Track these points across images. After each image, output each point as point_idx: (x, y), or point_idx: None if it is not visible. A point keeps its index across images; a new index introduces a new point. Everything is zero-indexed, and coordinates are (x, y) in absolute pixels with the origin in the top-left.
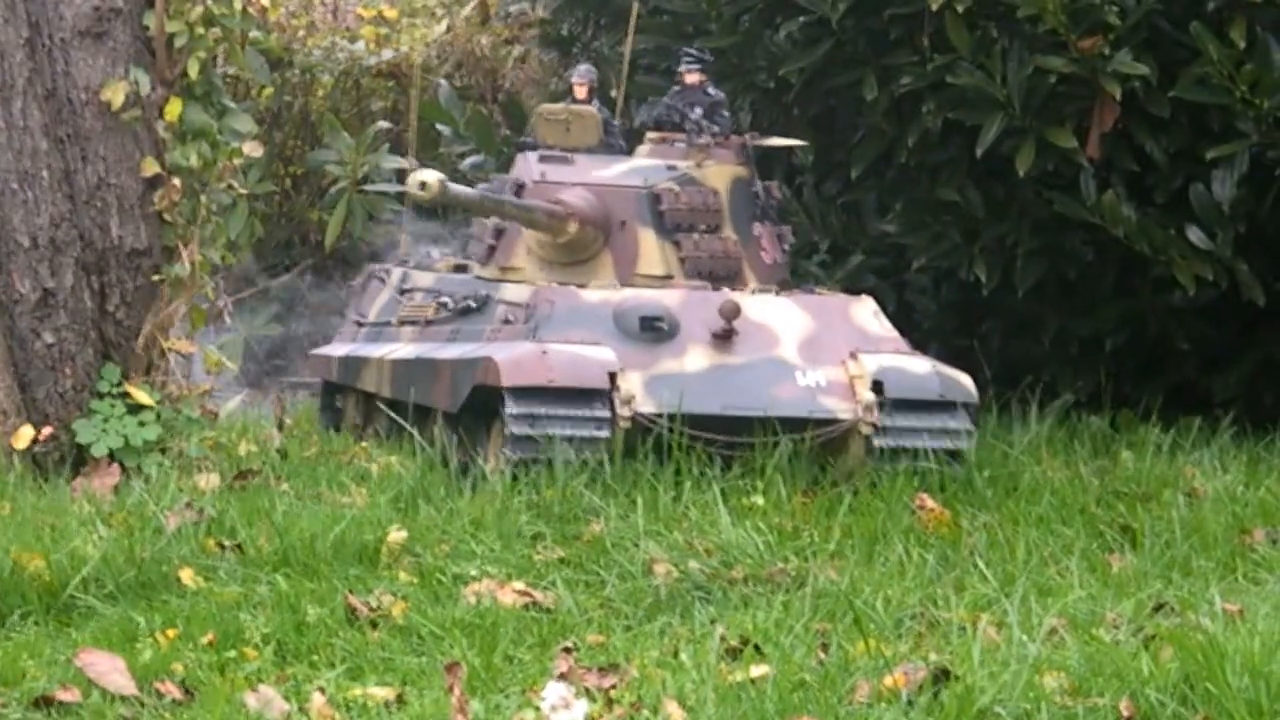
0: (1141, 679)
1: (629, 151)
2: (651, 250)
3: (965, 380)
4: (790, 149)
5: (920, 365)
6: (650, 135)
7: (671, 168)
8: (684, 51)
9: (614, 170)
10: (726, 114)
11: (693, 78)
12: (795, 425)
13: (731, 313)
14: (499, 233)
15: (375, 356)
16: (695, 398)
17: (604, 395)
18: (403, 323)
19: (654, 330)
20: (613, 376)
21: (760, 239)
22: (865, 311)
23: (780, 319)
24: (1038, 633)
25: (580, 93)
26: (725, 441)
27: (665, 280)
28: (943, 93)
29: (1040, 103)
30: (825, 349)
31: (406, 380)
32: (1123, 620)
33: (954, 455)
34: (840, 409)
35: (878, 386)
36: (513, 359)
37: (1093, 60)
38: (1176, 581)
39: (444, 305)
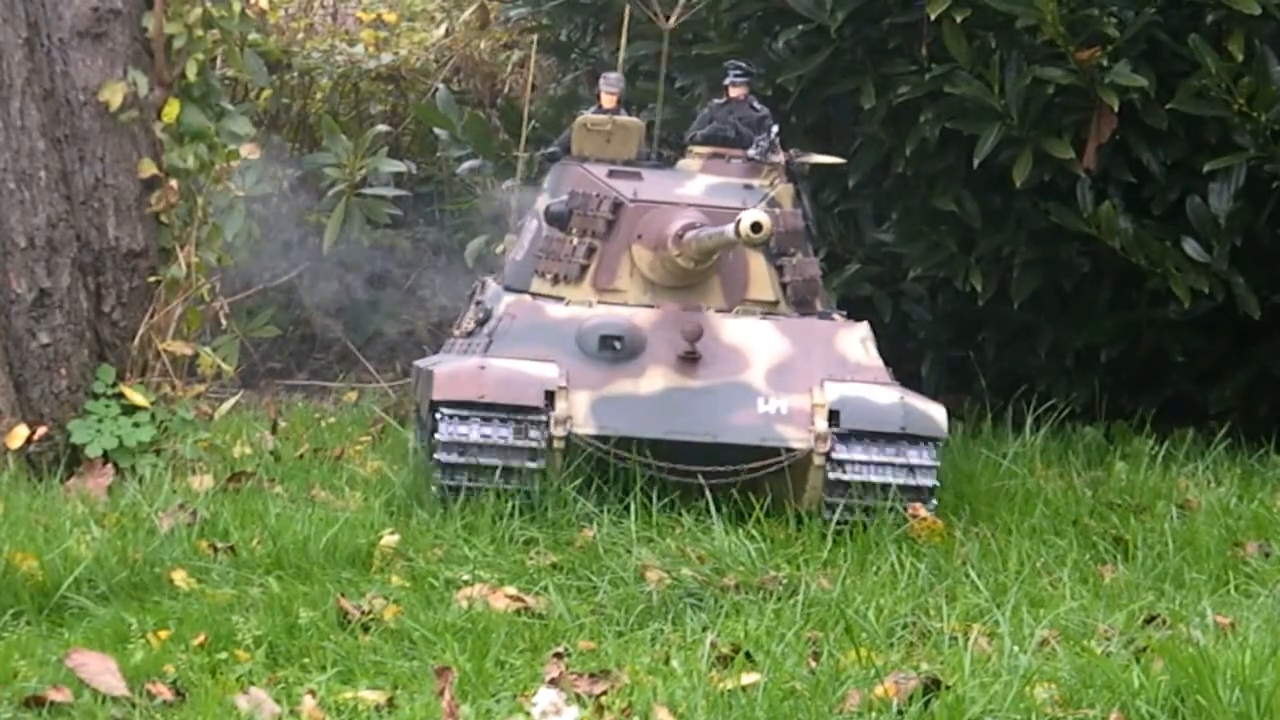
0: (1132, 691)
1: (669, 164)
2: (761, 274)
3: (935, 413)
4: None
5: (886, 396)
6: (697, 150)
7: (748, 187)
8: (730, 65)
9: (693, 189)
10: (774, 129)
11: (738, 91)
12: (744, 453)
13: (694, 334)
14: (591, 251)
15: (421, 368)
16: (639, 421)
17: (539, 414)
18: (460, 334)
19: (611, 349)
20: (550, 395)
21: (814, 260)
22: (852, 339)
23: (756, 343)
24: (1029, 643)
25: (609, 101)
26: (666, 468)
27: (773, 306)
28: (940, 102)
29: (1038, 113)
30: (797, 376)
31: (417, 391)
32: (1114, 632)
33: (918, 493)
34: (795, 438)
35: (834, 416)
36: (448, 372)
37: (1091, 71)
38: (1169, 593)
39: (480, 317)
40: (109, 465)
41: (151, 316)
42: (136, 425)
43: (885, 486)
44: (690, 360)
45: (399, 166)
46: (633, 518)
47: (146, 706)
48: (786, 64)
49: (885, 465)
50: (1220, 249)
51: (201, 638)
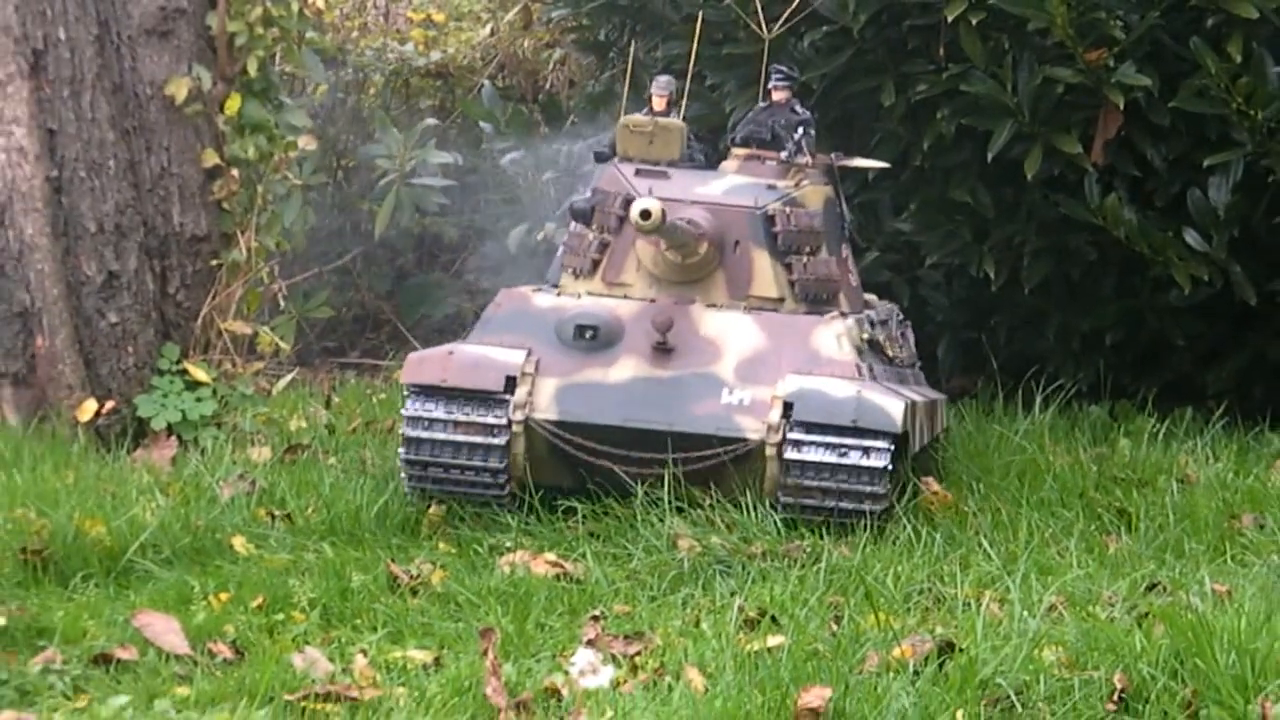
0: (1134, 654)
1: (711, 166)
2: (765, 272)
3: (891, 408)
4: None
5: (842, 389)
6: (736, 151)
7: (771, 187)
8: (773, 68)
9: (715, 188)
10: (813, 133)
11: (780, 95)
12: (699, 442)
13: (664, 326)
14: (603, 246)
15: None
16: (601, 408)
17: (499, 399)
18: None
19: (585, 339)
20: (511, 380)
21: (847, 260)
22: (828, 334)
23: (732, 335)
24: (1038, 609)
25: (659, 104)
26: (621, 455)
27: (778, 303)
28: (956, 100)
29: (1048, 110)
30: (766, 368)
31: None
32: (1118, 598)
33: (868, 485)
34: (751, 429)
35: (789, 408)
36: (418, 356)
37: (1098, 71)
38: (1169, 563)
39: None
40: (173, 437)
41: (213, 298)
42: (199, 400)
43: (834, 478)
44: (664, 351)
45: (446, 158)
46: (666, 488)
47: (208, 664)
48: (811, 63)
49: (836, 458)
50: (1219, 239)
51: (260, 600)
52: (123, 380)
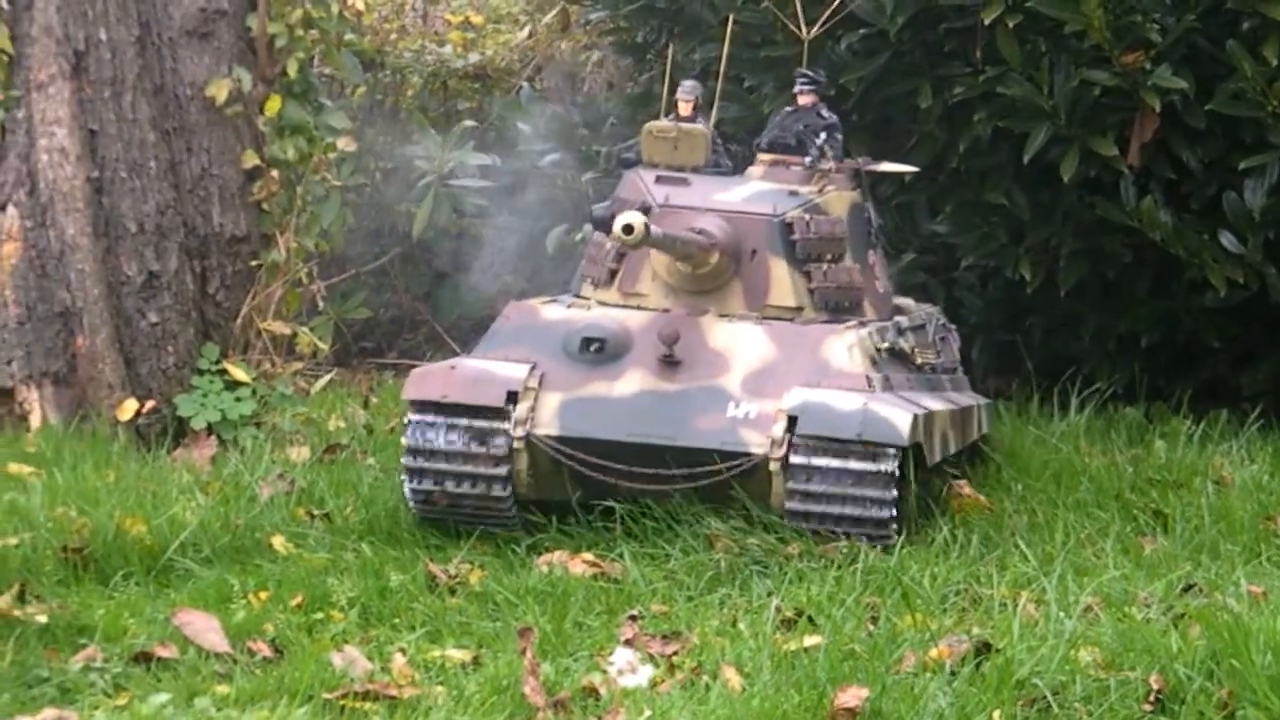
0: (1171, 655)
1: (737, 171)
2: (783, 280)
3: (898, 420)
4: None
5: (849, 402)
6: (762, 157)
7: (794, 194)
8: (798, 72)
9: (736, 195)
10: (840, 137)
11: (806, 99)
12: (702, 457)
13: (670, 338)
14: (620, 255)
15: None
16: (604, 423)
17: (501, 414)
18: None
19: (591, 352)
20: (513, 395)
21: (874, 266)
22: (839, 345)
23: (742, 347)
24: (1074, 610)
25: (685, 109)
26: (624, 470)
27: (797, 312)
28: (993, 102)
29: (1084, 113)
30: (774, 381)
31: None
32: (1154, 599)
33: (874, 503)
34: (755, 443)
35: (793, 422)
36: (421, 372)
37: (1134, 74)
38: (1205, 564)
39: None
40: (212, 437)
41: (253, 298)
42: (238, 400)
43: (839, 493)
44: (671, 364)
45: (485, 159)
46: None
47: (247, 662)
48: (848, 65)
49: (836, 472)
50: (1254, 241)
51: (299, 599)
52: (163, 380)
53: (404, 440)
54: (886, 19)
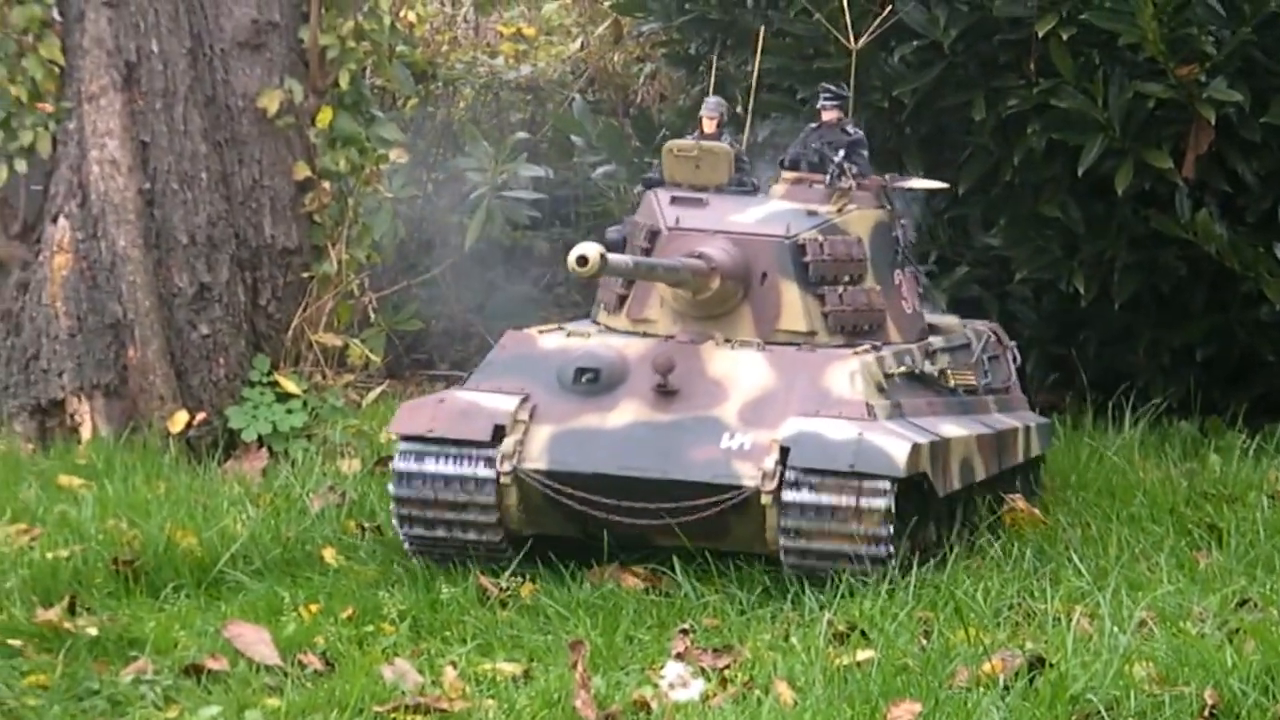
0: (1225, 670)
1: (759, 189)
2: (794, 304)
3: (894, 450)
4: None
5: (842, 432)
6: (786, 175)
7: (812, 213)
8: (821, 87)
9: (751, 216)
10: (865, 153)
11: (830, 115)
12: (693, 490)
13: (664, 367)
14: (629, 281)
15: None
16: (594, 456)
17: (488, 448)
18: None
19: (584, 382)
20: (500, 429)
21: (900, 287)
22: (841, 372)
23: (740, 375)
24: (1128, 624)
25: (709, 126)
26: (614, 505)
27: (809, 336)
28: (1047, 115)
29: (1139, 126)
30: (772, 410)
31: None
32: (1208, 614)
33: (869, 538)
34: (747, 475)
35: (785, 453)
36: (410, 404)
37: (1189, 87)
38: (1260, 578)
39: None
40: (263, 449)
41: (304, 310)
42: (289, 412)
43: (832, 526)
44: (667, 394)
45: (537, 171)
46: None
47: (298, 675)
48: (902, 78)
49: (829, 506)
50: None
51: (350, 611)
52: (214, 392)
53: (392, 470)
54: (940, 31)
